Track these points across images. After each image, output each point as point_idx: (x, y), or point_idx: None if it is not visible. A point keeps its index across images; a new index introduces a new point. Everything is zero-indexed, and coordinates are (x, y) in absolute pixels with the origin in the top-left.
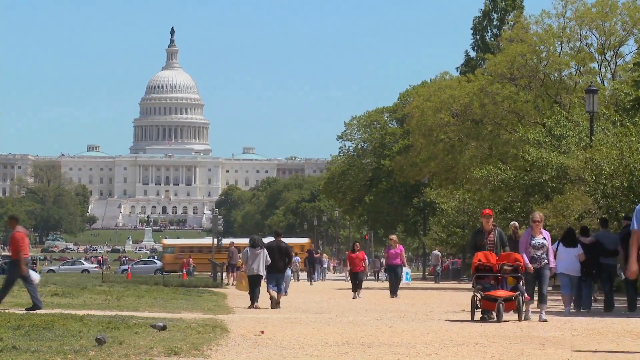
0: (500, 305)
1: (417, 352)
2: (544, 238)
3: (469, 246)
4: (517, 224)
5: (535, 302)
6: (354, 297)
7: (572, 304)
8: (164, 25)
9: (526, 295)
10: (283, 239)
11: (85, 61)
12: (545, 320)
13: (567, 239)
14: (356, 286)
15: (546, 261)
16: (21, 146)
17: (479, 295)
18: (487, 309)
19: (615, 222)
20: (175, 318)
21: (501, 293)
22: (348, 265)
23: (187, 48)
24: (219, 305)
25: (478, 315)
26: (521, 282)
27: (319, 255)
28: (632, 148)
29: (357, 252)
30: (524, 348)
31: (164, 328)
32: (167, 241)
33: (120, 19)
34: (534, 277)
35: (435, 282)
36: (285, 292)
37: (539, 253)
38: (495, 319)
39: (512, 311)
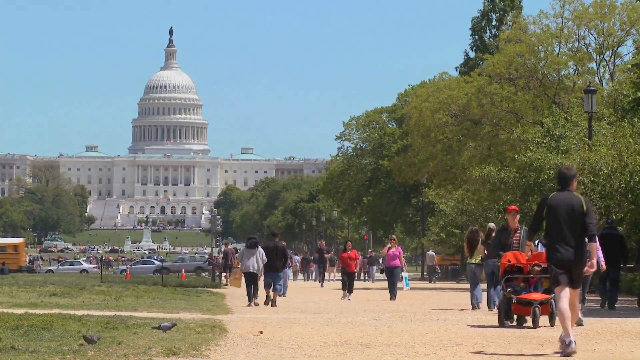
0: (537, 309)
1: (416, 352)
2: None
3: (493, 245)
4: (493, 225)
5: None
6: (343, 298)
7: None
8: (163, 26)
9: None
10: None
11: (83, 61)
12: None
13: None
14: (347, 286)
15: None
16: (20, 146)
17: (512, 298)
18: (519, 313)
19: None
20: (174, 318)
21: (536, 296)
22: (338, 265)
23: (185, 48)
24: (217, 306)
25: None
26: None
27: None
28: (630, 149)
29: (349, 252)
30: (523, 348)
31: (170, 328)
32: None
33: (118, 19)
34: None
35: (429, 282)
36: (284, 293)
37: None
38: (532, 324)
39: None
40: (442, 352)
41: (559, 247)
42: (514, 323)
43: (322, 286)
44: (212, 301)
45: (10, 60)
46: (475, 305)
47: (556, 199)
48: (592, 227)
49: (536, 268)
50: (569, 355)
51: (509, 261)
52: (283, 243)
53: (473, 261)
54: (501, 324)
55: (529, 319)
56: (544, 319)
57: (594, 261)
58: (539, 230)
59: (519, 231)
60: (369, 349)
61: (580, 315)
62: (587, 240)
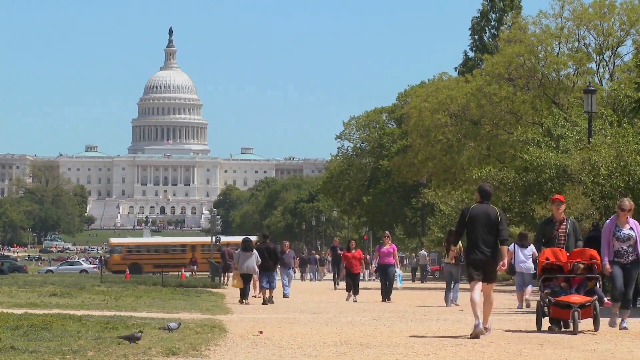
0: (576, 313)
1: (416, 352)
2: (631, 228)
3: (535, 239)
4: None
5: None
6: (347, 299)
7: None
8: (163, 26)
9: (606, 299)
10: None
11: (83, 61)
12: (625, 328)
13: (522, 240)
14: (351, 287)
15: (634, 256)
16: (19, 146)
17: (548, 300)
18: (557, 317)
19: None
20: (173, 318)
21: (576, 298)
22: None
23: (185, 48)
24: (217, 306)
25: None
26: (598, 285)
27: (313, 254)
28: (629, 149)
29: (353, 251)
30: (523, 348)
31: (177, 328)
32: None
33: (118, 19)
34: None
35: (422, 282)
36: (287, 294)
37: (624, 247)
38: (572, 329)
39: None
40: (442, 352)
41: (475, 250)
42: (561, 328)
43: (335, 288)
44: (212, 301)
45: (10, 60)
46: (448, 303)
47: (476, 210)
48: (504, 233)
49: (580, 266)
50: (476, 336)
51: (547, 259)
52: (286, 243)
53: (451, 261)
54: (539, 328)
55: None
56: (587, 323)
57: (505, 261)
58: (462, 235)
59: (564, 223)
60: (369, 349)
61: (625, 322)
62: (500, 244)
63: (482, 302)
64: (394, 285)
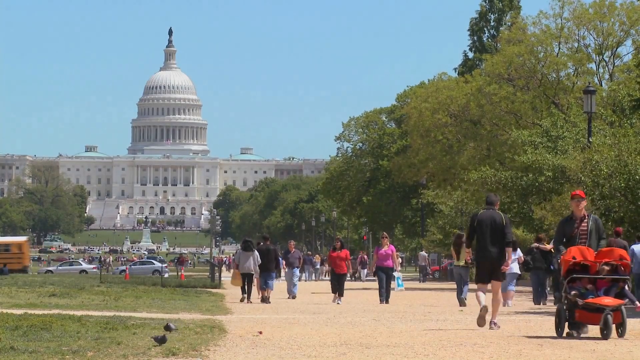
0: (609, 316)
1: (415, 352)
2: None
3: (555, 239)
4: (462, 233)
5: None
6: (334, 301)
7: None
8: (162, 26)
9: (638, 303)
10: None
11: (83, 62)
12: None
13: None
14: (337, 289)
15: None
16: (19, 146)
17: (575, 303)
18: (585, 321)
19: (612, 224)
20: (173, 319)
21: (608, 301)
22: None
23: (185, 48)
24: (217, 306)
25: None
26: (626, 287)
27: (310, 255)
28: (630, 149)
29: (339, 251)
30: (522, 348)
31: (168, 329)
32: None
33: (118, 20)
34: None
35: (421, 282)
36: (294, 294)
37: None
38: (600, 334)
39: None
40: (441, 352)
41: (484, 251)
42: (582, 334)
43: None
44: (212, 301)
45: (10, 61)
46: (462, 302)
47: (483, 216)
48: (509, 236)
49: (605, 267)
50: (482, 318)
51: (573, 258)
52: (292, 242)
53: (459, 264)
54: (559, 334)
55: (591, 327)
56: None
57: (509, 261)
58: (474, 239)
59: (586, 220)
60: (369, 349)
61: None
62: (505, 246)
63: (489, 300)
64: (393, 288)
